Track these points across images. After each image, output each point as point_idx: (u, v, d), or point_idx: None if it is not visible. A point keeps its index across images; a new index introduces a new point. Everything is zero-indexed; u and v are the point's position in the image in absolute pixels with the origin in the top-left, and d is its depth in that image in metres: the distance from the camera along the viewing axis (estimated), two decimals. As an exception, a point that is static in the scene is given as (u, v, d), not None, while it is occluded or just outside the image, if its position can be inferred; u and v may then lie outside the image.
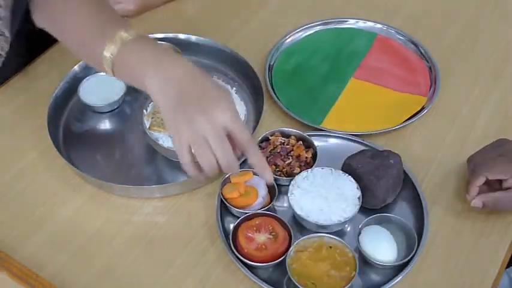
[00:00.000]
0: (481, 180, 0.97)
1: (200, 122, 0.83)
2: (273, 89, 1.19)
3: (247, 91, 1.18)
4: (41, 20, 1.00)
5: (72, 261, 0.96)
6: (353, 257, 0.91)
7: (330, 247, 0.93)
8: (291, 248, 0.92)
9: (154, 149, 1.06)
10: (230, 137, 0.85)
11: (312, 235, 0.94)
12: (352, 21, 1.33)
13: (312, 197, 0.96)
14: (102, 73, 1.19)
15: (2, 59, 1.08)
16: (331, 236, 0.94)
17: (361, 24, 1.32)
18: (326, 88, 1.21)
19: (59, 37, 1.00)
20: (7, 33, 1.03)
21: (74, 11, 0.96)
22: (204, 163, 0.84)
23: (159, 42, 0.95)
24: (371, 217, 0.96)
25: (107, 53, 0.90)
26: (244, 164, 1.06)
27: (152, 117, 1.07)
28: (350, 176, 0.99)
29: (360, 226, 0.95)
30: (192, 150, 0.85)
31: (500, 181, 0.97)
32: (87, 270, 0.95)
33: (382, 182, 0.98)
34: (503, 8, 1.38)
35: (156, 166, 1.08)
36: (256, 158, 0.87)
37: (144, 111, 1.10)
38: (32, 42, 1.18)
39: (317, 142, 1.07)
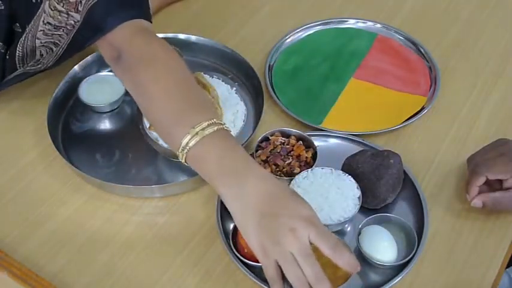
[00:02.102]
0: (481, 180, 0.97)
1: (286, 240, 0.80)
2: (273, 89, 1.19)
3: (247, 91, 1.18)
4: (121, 77, 0.98)
5: (72, 261, 0.96)
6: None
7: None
8: None
9: (154, 149, 1.06)
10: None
11: None
12: (352, 21, 1.33)
13: (312, 197, 0.96)
14: (102, 73, 1.19)
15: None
16: None
17: (361, 24, 1.32)
18: (326, 88, 1.21)
19: (138, 102, 0.96)
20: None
21: (155, 86, 0.92)
22: (294, 280, 0.81)
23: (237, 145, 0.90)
24: (371, 217, 0.96)
25: (184, 141, 0.86)
26: (244, 164, 1.06)
27: (152, 117, 1.07)
28: (350, 176, 0.99)
29: (360, 226, 0.95)
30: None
31: (500, 181, 0.97)
32: (87, 270, 0.95)
33: (382, 182, 0.98)
34: (503, 8, 1.38)
35: (156, 166, 1.08)
36: (345, 261, 0.82)
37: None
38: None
39: (317, 142, 1.07)
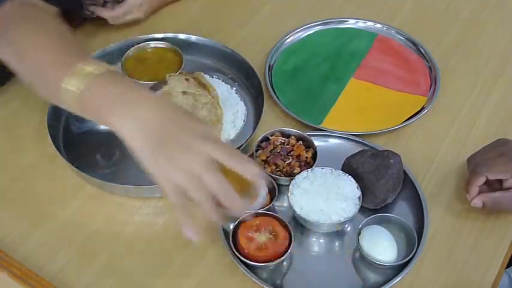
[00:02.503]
0: (481, 180, 0.97)
1: (186, 159, 0.77)
2: (273, 89, 1.19)
3: (247, 91, 1.18)
4: (6, 51, 0.94)
5: (72, 261, 0.96)
6: None
7: None
8: None
9: (154, 149, 1.06)
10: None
11: None
12: (352, 21, 1.33)
13: (312, 197, 0.96)
14: (102, 73, 1.19)
15: None
16: None
17: (361, 24, 1.32)
18: (326, 88, 1.21)
19: (14, 67, 0.93)
20: None
21: (36, 41, 0.91)
22: (201, 200, 0.78)
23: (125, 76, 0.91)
24: (371, 217, 0.96)
25: (70, 87, 0.84)
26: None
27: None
28: (350, 176, 0.99)
29: (360, 226, 0.95)
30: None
31: (500, 181, 0.97)
32: (87, 270, 0.95)
33: (382, 182, 0.98)
34: (503, 8, 1.38)
35: (156, 166, 1.08)
36: (247, 168, 0.79)
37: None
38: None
39: (317, 142, 1.07)
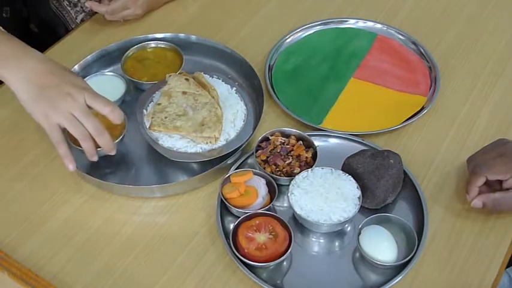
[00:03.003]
0: (481, 181, 0.97)
1: (64, 102, 0.93)
2: (273, 89, 1.19)
3: (247, 91, 1.18)
4: None
5: (72, 261, 0.96)
6: (124, 118, 1.04)
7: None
8: None
9: (154, 149, 1.06)
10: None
11: None
12: (352, 21, 1.33)
13: (312, 197, 0.96)
14: (102, 73, 1.19)
15: None
16: None
17: (361, 24, 1.32)
18: (326, 88, 1.21)
19: None
20: None
21: None
22: (79, 136, 0.95)
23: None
24: (371, 217, 0.96)
25: None
26: (244, 164, 1.06)
27: (152, 117, 1.07)
28: (350, 176, 0.99)
29: (360, 226, 0.95)
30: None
31: (500, 181, 0.97)
32: (87, 270, 0.95)
33: (382, 182, 0.98)
34: (503, 8, 1.38)
35: (156, 166, 1.08)
36: (115, 113, 0.97)
37: (144, 111, 1.10)
38: (32, 43, 1.17)
39: (317, 142, 1.07)
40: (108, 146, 0.99)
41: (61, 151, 0.96)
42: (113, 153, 1.00)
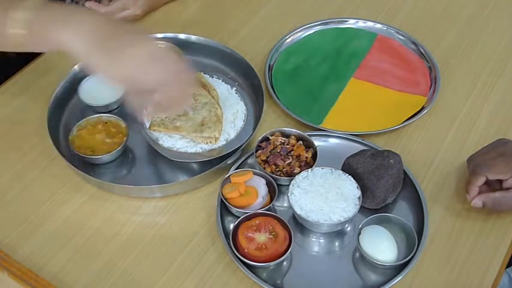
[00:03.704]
0: (481, 181, 0.97)
1: (133, 52, 0.87)
2: (273, 89, 1.19)
3: (247, 91, 1.18)
4: None
5: (71, 261, 0.96)
6: (125, 127, 1.07)
7: (106, 123, 1.08)
8: (72, 128, 1.07)
9: (154, 149, 1.06)
10: None
11: (90, 117, 1.10)
12: (352, 21, 1.33)
13: (312, 197, 0.96)
14: (102, 73, 1.19)
15: None
16: (108, 115, 1.10)
17: (361, 24, 1.32)
18: (326, 88, 1.21)
19: None
20: None
21: None
22: (151, 87, 0.88)
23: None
24: (371, 217, 0.96)
25: (18, 16, 0.88)
26: (244, 164, 1.06)
27: (152, 117, 1.07)
28: (350, 176, 0.99)
29: (360, 226, 0.95)
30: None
31: (500, 181, 0.97)
32: (86, 270, 0.95)
33: (382, 182, 0.98)
34: (503, 8, 1.38)
35: (156, 166, 1.08)
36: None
37: (144, 111, 1.10)
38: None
39: (317, 142, 1.07)
40: (180, 98, 0.93)
41: (135, 103, 0.92)
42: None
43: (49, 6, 0.91)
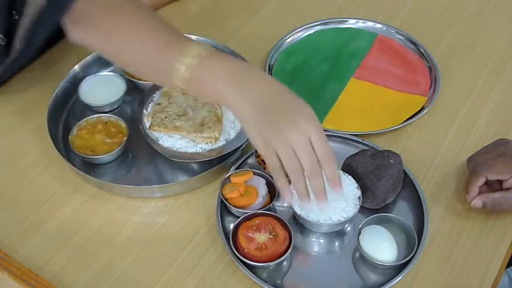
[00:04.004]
0: (481, 181, 0.97)
1: (288, 131, 0.85)
2: (273, 89, 1.19)
3: (247, 91, 1.18)
4: (85, 37, 0.96)
5: (71, 261, 0.96)
6: (125, 127, 1.08)
7: (106, 123, 1.08)
8: (72, 128, 1.07)
9: (154, 149, 1.06)
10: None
11: (90, 116, 1.10)
12: (352, 21, 1.33)
13: (312, 197, 0.96)
14: (102, 73, 1.19)
15: None
16: (108, 115, 1.10)
17: (361, 24, 1.32)
18: (326, 88, 1.21)
19: (110, 54, 0.97)
20: None
21: (132, 28, 0.94)
22: (291, 170, 0.86)
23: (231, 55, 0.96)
24: (371, 217, 0.96)
25: (180, 66, 0.89)
26: (244, 164, 1.06)
27: (152, 117, 1.07)
28: (350, 176, 0.99)
29: (360, 226, 0.95)
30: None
31: (500, 181, 0.97)
32: (87, 270, 0.95)
33: (382, 182, 0.98)
34: (503, 8, 1.38)
35: (156, 166, 1.08)
36: (331, 173, 0.88)
37: (144, 111, 1.10)
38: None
39: (317, 142, 1.07)
40: (321, 191, 0.88)
41: (280, 182, 0.88)
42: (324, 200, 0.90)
43: (214, 57, 0.90)
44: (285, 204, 1.01)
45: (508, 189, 0.97)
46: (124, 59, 0.97)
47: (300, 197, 0.89)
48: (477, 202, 0.98)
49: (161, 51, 0.92)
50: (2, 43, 1.05)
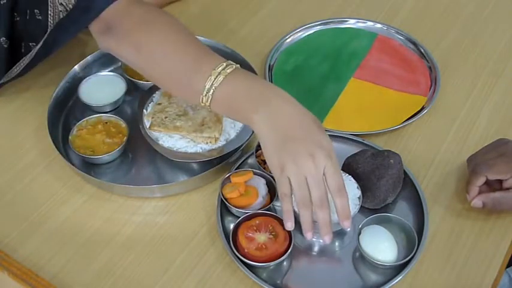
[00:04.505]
0: (481, 180, 0.97)
1: (304, 162, 0.86)
2: (273, 89, 1.19)
3: (247, 91, 1.18)
4: (115, 46, 0.98)
5: (72, 261, 0.96)
6: (125, 127, 1.08)
7: (106, 123, 1.08)
8: (72, 128, 1.08)
9: (154, 149, 1.06)
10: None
11: (90, 116, 1.10)
12: (352, 21, 1.33)
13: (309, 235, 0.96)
14: (102, 73, 1.19)
15: None
16: (108, 115, 1.11)
17: (361, 24, 1.32)
18: (326, 88, 1.21)
19: (140, 66, 0.98)
20: None
21: (162, 42, 0.95)
22: (300, 199, 0.87)
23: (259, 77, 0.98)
24: (371, 217, 0.96)
25: (207, 84, 0.91)
26: (244, 164, 1.06)
27: (152, 117, 1.07)
28: (350, 176, 0.99)
29: (360, 226, 0.95)
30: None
31: (500, 181, 0.97)
32: (87, 270, 0.95)
33: (382, 182, 0.98)
34: (503, 8, 1.38)
35: (156, 166, 1.08)
36: (342, 206, 0.88)
37: (144, 111, 1.10)
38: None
39: (317, 142, 1.07)
40: (326, 226, 0.88)
41: (286, 206, 0.89)
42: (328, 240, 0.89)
43: (240, 76, 0.92)
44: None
45: (508, 189, 0.97)
46: (153, 72, 0.97)
47: (304, 225, 0.89)
48: (477, 202, 0.98)
49: (190, 68, 0.93)
50: (5, 45, 1.05)
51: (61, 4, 0.98)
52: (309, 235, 0.89)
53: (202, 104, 0.93)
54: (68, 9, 0.98)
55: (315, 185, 0.86)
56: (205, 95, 0.91)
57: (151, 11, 0.99)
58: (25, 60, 1.07)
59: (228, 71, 0.91)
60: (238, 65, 0.94)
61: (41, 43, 1.03)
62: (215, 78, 0.91)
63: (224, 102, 0.92)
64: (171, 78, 0.96)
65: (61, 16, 1.00)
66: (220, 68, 0.91)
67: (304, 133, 0.88)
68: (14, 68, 1.09)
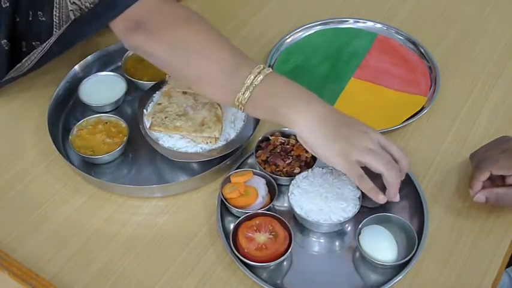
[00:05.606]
0: (485, 175, 0.97)
1: (363, 139, 0.90)
2: (273, 89, 1.19)
3: (247, 91, 1.18)
4: (144, 44, 0.96)
5: (72, 261, 0.96)
6: (125, 127, 1.08)
7: (106, 123, 1.08)
8: (72, 128, 1.08)
9: (154, 149, 1.06)
10: None
11: (90, 116, 1.10)
12: (352, 21, 1.33)
13: (312, 197, 0.96)
14: (102, 73, 1.19)
15: None
16: (108, 114, 1.11)
17: (361, 24, 1.32)
18: (326, 88, 1.21)
19: (173, 64, 0.96)
20: None
21: (200, 40, 0.96)
22: (383, 164, 0.90)
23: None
24: (371, 217, 0.96)
25: (247, 81, 0.92)
26: (244, 164, 1.06)
27: (152, 117, 1.07)
28: (350, 176, 0.99)
29: (360, 226, 0.95)
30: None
31: (502, 177, 0.97)
32: (87, 270, 0.95)
33: (382, 182, 0.97)
34: (503, 8, 1.38)
35: (156, 166, 1.08)
36: (407, 166, 0.93)
37: (144, 111, 1.10)
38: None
39: (317, 142, 1.07)
40: (396, 186, 0.92)
41: (367, 186, 0.91)
42: (395, 200, 0.93)
43: (274, 78, 0.94)
44: (285, 205, 1.01)
45: (511, 185, 0.96)
46: (187, 71, 0.96)
47: (393, 187, 0.91)
48: (480, 196, 0.97)
49: (228, 68, 0.94)
50: (6, 48, 1.05)
51: (73, 3, 0.98)
52: (397, 197, 0.92)
53: (237, 103, 0.93)
54: (83, 7, 0.98)
55: (385, 145, 0.91)
56: (244, 93, 0.92)
57: (183, 9, 0.99)
58: (37, 55, 1.07)
59: (267, 71, 0.93)
60: (270, 68, 0.96)
61: (55, 37, 1.02)
62: (255, 77, 0.92)
63: (262, 101, 0.92)
64: (207, 78, 0.95)
65: (74, 15, 0.99)
66: (259, 69, 0.93)
67: (349, 121, 0.92)
68: (25, 62, 1.09)
